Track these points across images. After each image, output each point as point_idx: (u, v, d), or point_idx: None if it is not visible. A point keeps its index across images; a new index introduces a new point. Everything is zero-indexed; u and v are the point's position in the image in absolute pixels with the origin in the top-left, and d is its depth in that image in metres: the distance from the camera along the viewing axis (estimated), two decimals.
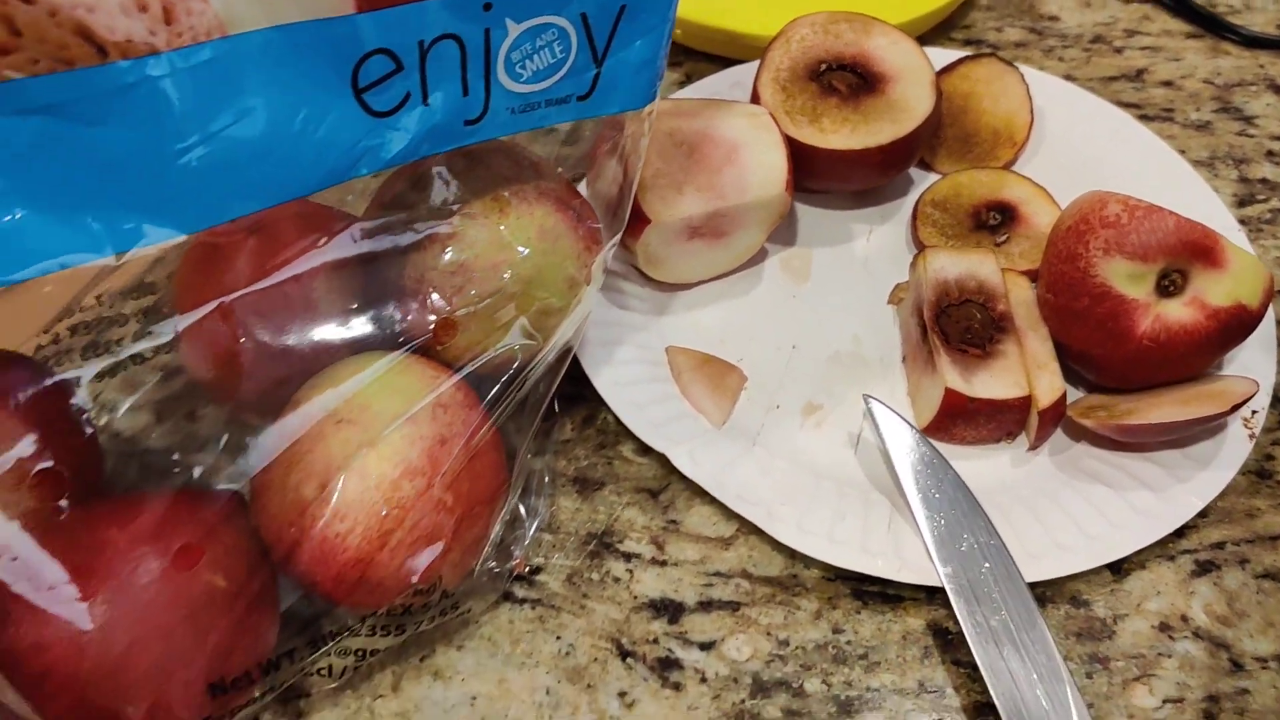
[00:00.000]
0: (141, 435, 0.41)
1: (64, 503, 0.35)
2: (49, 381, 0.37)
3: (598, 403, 0.50)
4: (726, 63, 0.64)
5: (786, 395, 0.51)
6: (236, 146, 0.33)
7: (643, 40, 0.41)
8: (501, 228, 0.41)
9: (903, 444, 0.47)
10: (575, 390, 0.50)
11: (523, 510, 0.46)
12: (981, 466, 0.48)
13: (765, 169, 0.51)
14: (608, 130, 0.48)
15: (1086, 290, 0.47)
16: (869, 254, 0.56)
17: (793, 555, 0.46)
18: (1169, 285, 0.46)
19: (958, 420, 0.48)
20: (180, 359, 0.41)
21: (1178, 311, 0.46)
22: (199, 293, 0.41)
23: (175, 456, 0.41)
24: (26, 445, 0.34)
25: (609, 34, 0.40)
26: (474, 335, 0.42)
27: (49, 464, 0.34)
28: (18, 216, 0.30)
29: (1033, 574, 0.43)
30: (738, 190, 0.50)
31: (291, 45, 0.33)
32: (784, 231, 0.56)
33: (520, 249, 0.42)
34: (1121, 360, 0.47)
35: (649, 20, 0.40)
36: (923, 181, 0.59)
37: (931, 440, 0.48)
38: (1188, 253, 0.46)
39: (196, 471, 0.40)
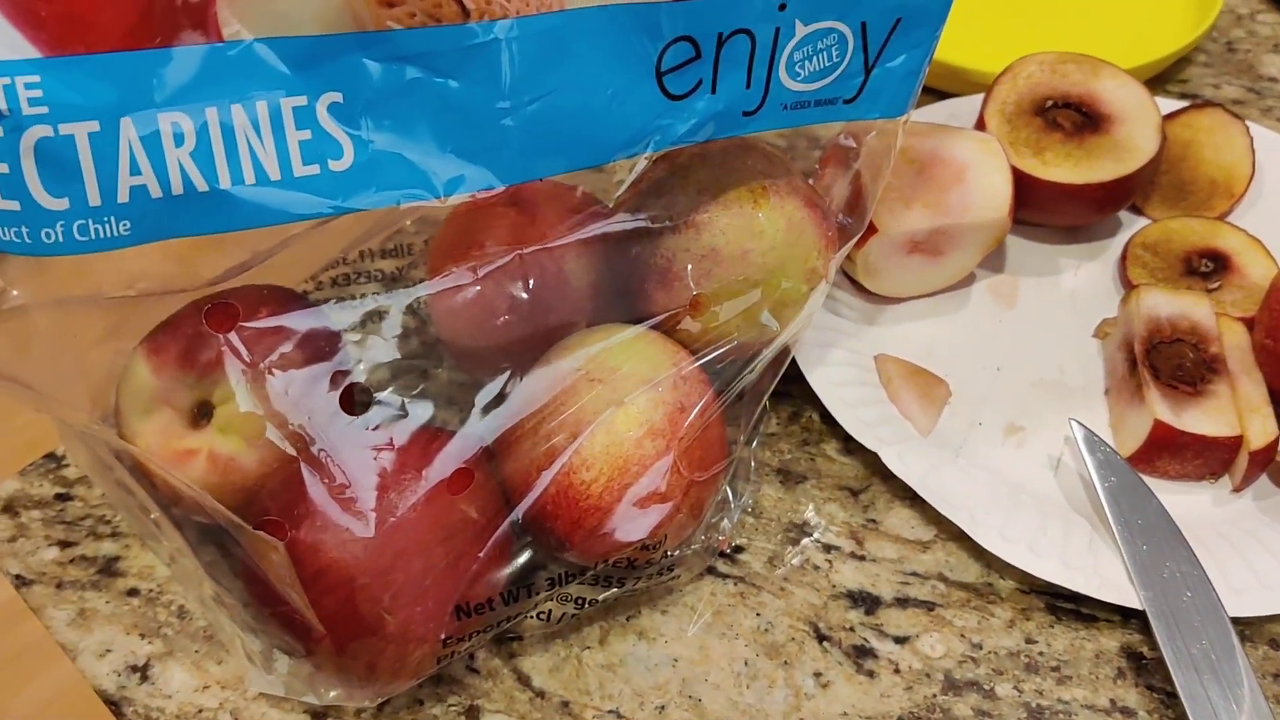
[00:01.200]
0: (378, 388, 0.44)
1: (371, 415, 0.38)
2: (324, 326, 0.40)
3: (803, 401, 0.52)
4: (942, 95, 0.66)
5: (989, 413, 0.52)
6: (554, 111, 0.36)
7: (910, 53, 0.43)
8: (759, 215, 0.44)
9: (1105, 468, 0.48)
10: (782, 387, 0.52)
11: (730, 494, 0.48)
12: (1183, 500, 0.49)
13: (990, 192, 0.53)
14: (839, 142, 0.51)
15: None
16: (1076, 288, 0.57)
17: (989, 564, 0.47)
18: None
19: (1164, 453, 0.48)
20: (430, 315, 0.44)
21: None
22: (459, 256, 0.44)
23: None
24: (341, 359, 0.38)
25: (882, 43, 0.42)
26: (717, 317, 0.45)
27: (359, 377, 0.38)
28: (374, 151, 0.34)
29: (1235, 609, 0.44)
30: (962, 209, 0.52)
31: (615, 25, 0.36)
32: (994, 258, 0.58)
33: (771, 238, 0.44)
34: None
35: (919, 34, 0.43)
36: (1131, 225, 0.60)
37: (1135, 470, 0.49)
38: None
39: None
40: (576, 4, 0.35)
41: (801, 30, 0.40)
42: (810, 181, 0.53)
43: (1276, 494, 0.49)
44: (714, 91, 0.40)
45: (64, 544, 0.48)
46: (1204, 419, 0.48)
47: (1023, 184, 0.55)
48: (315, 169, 0.33)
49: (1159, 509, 0.46)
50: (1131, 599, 0.44)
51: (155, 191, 0.31)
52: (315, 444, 0.36)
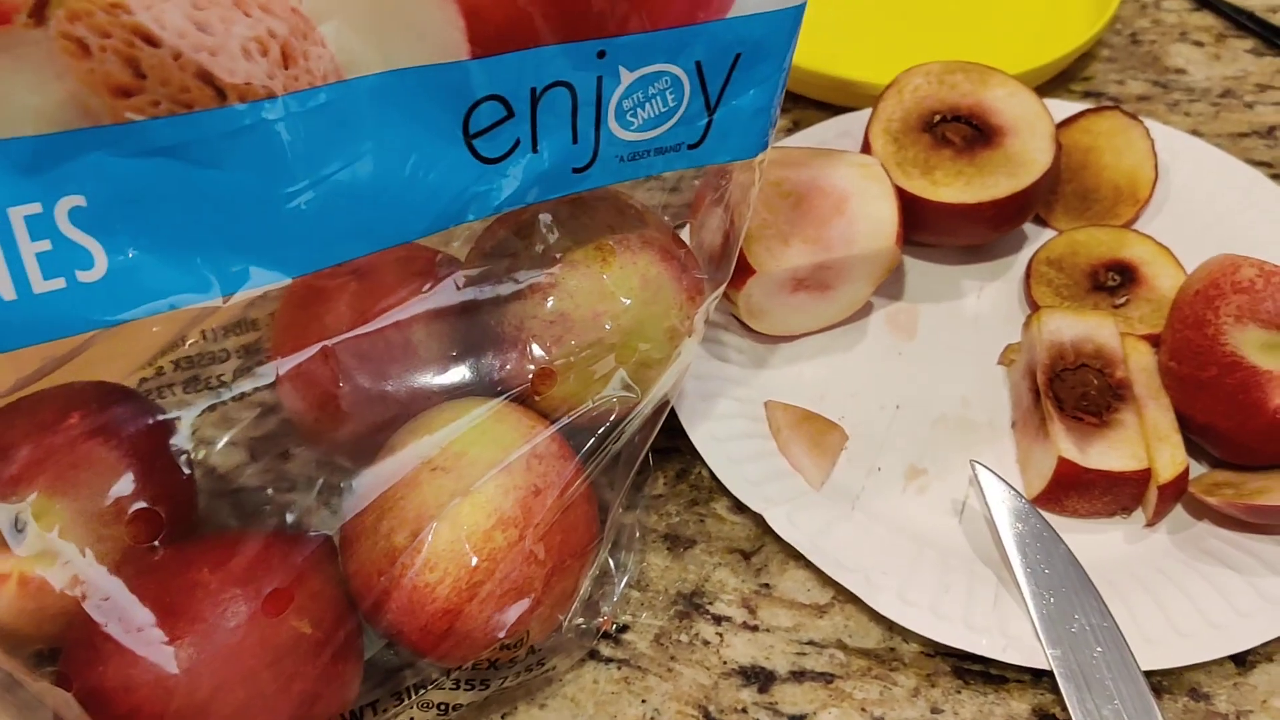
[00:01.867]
0: (235, 473, 0.41)
1: (157, 543, 0.34)
2: (152, 420, 0.37)
3: (691, 456, 0.49)
4: (835, 110, 0.63)
5: (889, 457, 0.49)
6: (346, 191, 0.33)
7: (757, 89, 0.40)
8: (604, 277, 0.41)
9: (1010, 515, 0.45)
10: (669, 443, 0.49)
11: (612, 565, 0.45)
12: (1094, 541, 0.45)
13: (875, 221, 0.49)
14: (712, 178, 0.47)
15: (1215, 359, 0.44)
16: (979, 312, 0.54)
17: (890, 627, 0.44)
18: None
19: (1070, 492, 0.45)
20: (278, 398, 0.41)
21: None
22: (299, 333, 0.41)
23: (268, 493, 0.41)
24: (126, 483, 0.34)
25: (723, 82, 0.39)
26: (572, 386, 0.41)
27: (145, 504, 0.34)
28: (130, 256, 0.30)
29: (1149, 661, 0.40)
30: (845, 242, 0.49)
31: (405, 90, 0.33)
32: (891, 285, 0.55)
33: (622, 299, 0.41)
34: (1252, 435, 0.44)
35: (764, 69, 0.39)
36: (1037, 238, 0.57)
37: (1044, 511, 0.46)
38: None
39: (289, 513, 0.40)
40: (358, 72, 0.32)
41: (628, 77, 0.37)
42: (678, 226, 0.50)
43: (1191, 526, 0.46)
44: (535, 150, 0.36)
45: None
46: (1110, 453, 0.45)
47: (913, 207, 0.51)
48: (60, 283, 0.29)
49: (1067, 556, 0.43)
50: (1040, 658, 0.41)
51: None
52: (97, 585, 0.33)
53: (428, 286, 0.41)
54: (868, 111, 0.59)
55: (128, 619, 0.33)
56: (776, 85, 0.40)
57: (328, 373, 0.38)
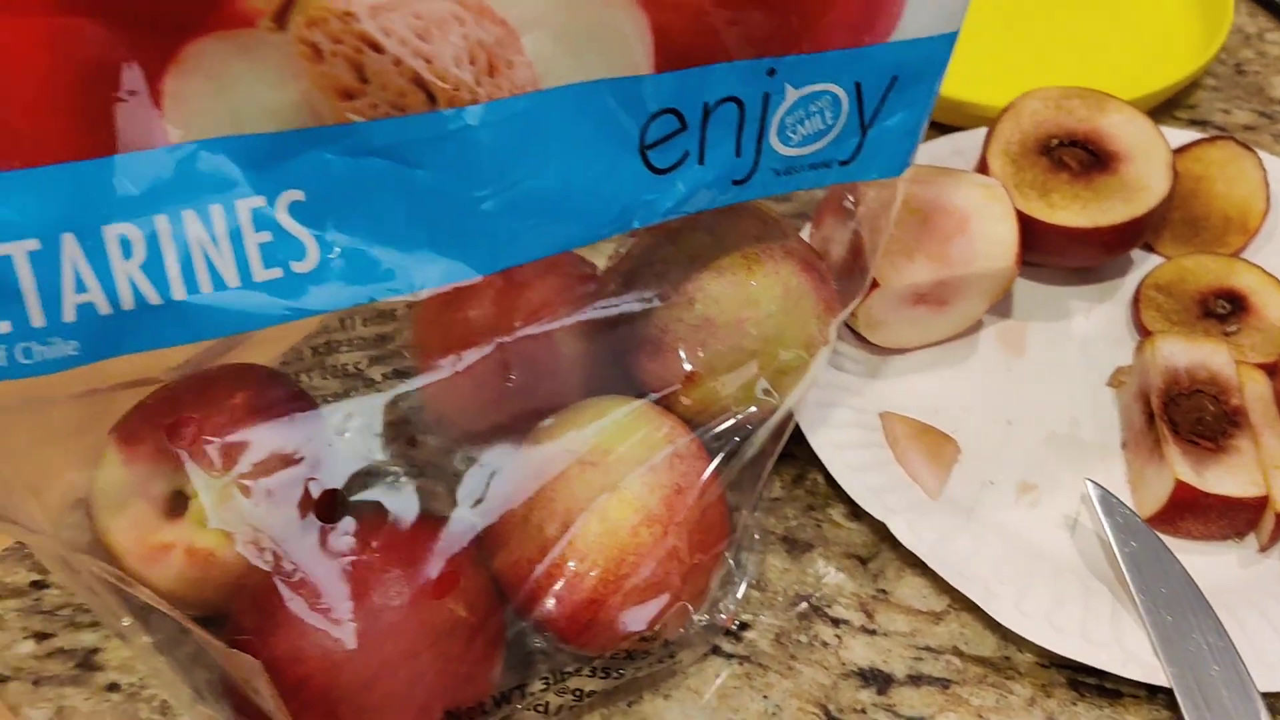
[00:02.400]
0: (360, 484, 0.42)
1: (345, 521, 0.36)
2: (310, 405, 0.38)
3: (807, 462, 0.50)
4: (944, 129, 0.64)
5: (1001, 472, 0.50)
6: (533, 195, 0.34)
7: (907, 111, 0.41)
8: (751, 284, 0.42)
9: (1125, 532, 0.46)
10: (785, 448, 0.50)
11: (734, 565, 0.46)
12: (1207, 563, 0.46)
13: (995, 241, 0.51)
14: (836, 192, 0.49)
15: None
16: (1087, 333, 0.55)
17: (1005, 636, 0.45)
18: None
19: (1186, 514, 0.46)
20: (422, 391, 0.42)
21: None
22: (446, 329, 0.42)
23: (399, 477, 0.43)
24: (313, 464, 0.36)
25: (878, 103, 0.40)
26: (713, 390, 0.43)
27: (333, 483, 0.36)
28: (338, 250, 0.32)
29: (1266, 683, 0.41)
30: (966, 260, 0.50)
31: (593, 101, 0.34)
32: (1001, 303, 0.56)
33: (767, 306, 0.42)
34: None
35: (916, 92, 0.41)
36: (1144, 263, 0.58)
37: (1156, 531, 0.47)
38: None
39: (420, 499, 0.41)
40: (553, 82, 0.33)
41: (793, 94, 0.38)
42: (807, 235, 0.51)
43: None
44: (702, 163, 0.38)
45: (40, 636, 0.46)
46: (1227, 478, 0.46)
47: (1029, 228, 0.52)
48: (278, 272, 0.31)
49: (1183, 575, 0.44)
50: (1158, 675, 0.42)
51: (104, 308, 0.29)
52: (288, 556, 0.34)
53: (576, 290, 0.43)
54: (978, 131, 0.60)
55: (312, 592, 0.35)
56: (926, 108, 0.41)
57: (497, 370, 0.40)
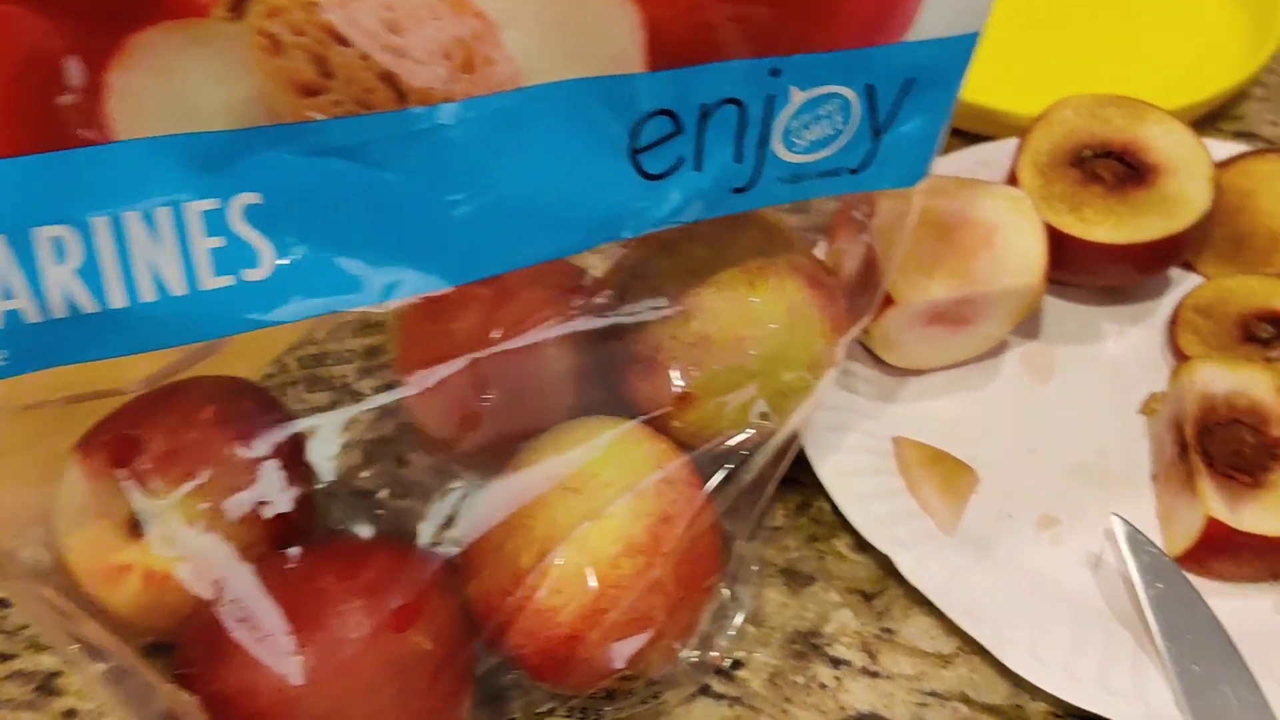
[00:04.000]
0: (348, 475, 0.40)
1: (293, 550, 0.34)
2: (285, 421, 0.36)
3: (812, 490, 0.47)
4: (972, 138, 0.61)
5: (1021, 504, 0.47)
6: (510, 201, 0.32)
7: (924, 117, 0.38)
8: (753, 300, 0.39)
9: (1151, 574, 0.42)
10: (789, 473, 0.47)
11: (728, 598, 0.44)
12: (1239, 607, 0.43)
13: (1022, 257, 0.47)
14: (852, 203, 0.46)
15: None
16: (1118, 357, 0.52)
17: (1018, 683, 0.42)
18: None
19: (1219, 554, 0.43)
20: (405, 406, 0.40)
21: None
22: (428, 341, 0.40)
23: (383, 499, 0.41)
24: (262, 485, 0.34)
25: (892, 108, 0.37)
26: (709, 412, 0.40)
27: (284, 508, 0.34)
28: (296, 257, 0.29)
29: None
30: (989, 277, 0.47)
31: (578, 101, 0.32)
32: (1026, 324, 0.52)
33: (769, 324, 0.39)
34: None
35: (934, 96, 0.38)
36: (1181, 283, 0.54)
37: (1185, 571, 0.44)
38: None
39: (404, 521, 0.39)
40: (535, 80, 0.31)
41: (799, 97, 0.35)
42: (818, 250, 0.49)
43: None
44: (699, 168, 0.35)
45: (1, 656, 0.44)
46: (1264, 516, 0.42)
47: (1059, 244, 0.49)
48: (229, 280, 0.29)
49: (1212, 622, 0.41)
50: None
51: (33, 315, 0.27)
52: (234, 585, 0.32)
53: (565, 301, 0.40)
54: (1007, 142, 0.57)
55: (256, 624, 0.32)
56: (944, 114, 0.39)
57: (472, 387, 0.37)
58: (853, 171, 0.38)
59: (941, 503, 0.45)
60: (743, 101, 0.34)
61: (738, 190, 0.37)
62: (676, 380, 0.40)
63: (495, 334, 0.39)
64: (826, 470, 0.46)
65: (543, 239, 0.34)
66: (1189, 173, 0.50)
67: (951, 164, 0.57)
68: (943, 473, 0.46)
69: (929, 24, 0.36)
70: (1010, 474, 0.48)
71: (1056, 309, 0.54)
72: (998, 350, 0.52)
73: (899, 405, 0.50)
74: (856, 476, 0.46)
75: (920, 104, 0.38)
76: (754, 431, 0.40)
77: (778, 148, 0.36)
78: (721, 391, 0.40)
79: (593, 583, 0.36)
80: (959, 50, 0.37)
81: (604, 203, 0.34)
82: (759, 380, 0.40)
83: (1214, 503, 0.43)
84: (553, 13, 0.30)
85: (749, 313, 0.39)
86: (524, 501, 0.38)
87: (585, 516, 0.37)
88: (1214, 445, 0.45)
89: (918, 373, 0.51)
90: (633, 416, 0.40)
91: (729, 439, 0.40)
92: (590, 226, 0.34)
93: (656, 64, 0.32)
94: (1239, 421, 0.45)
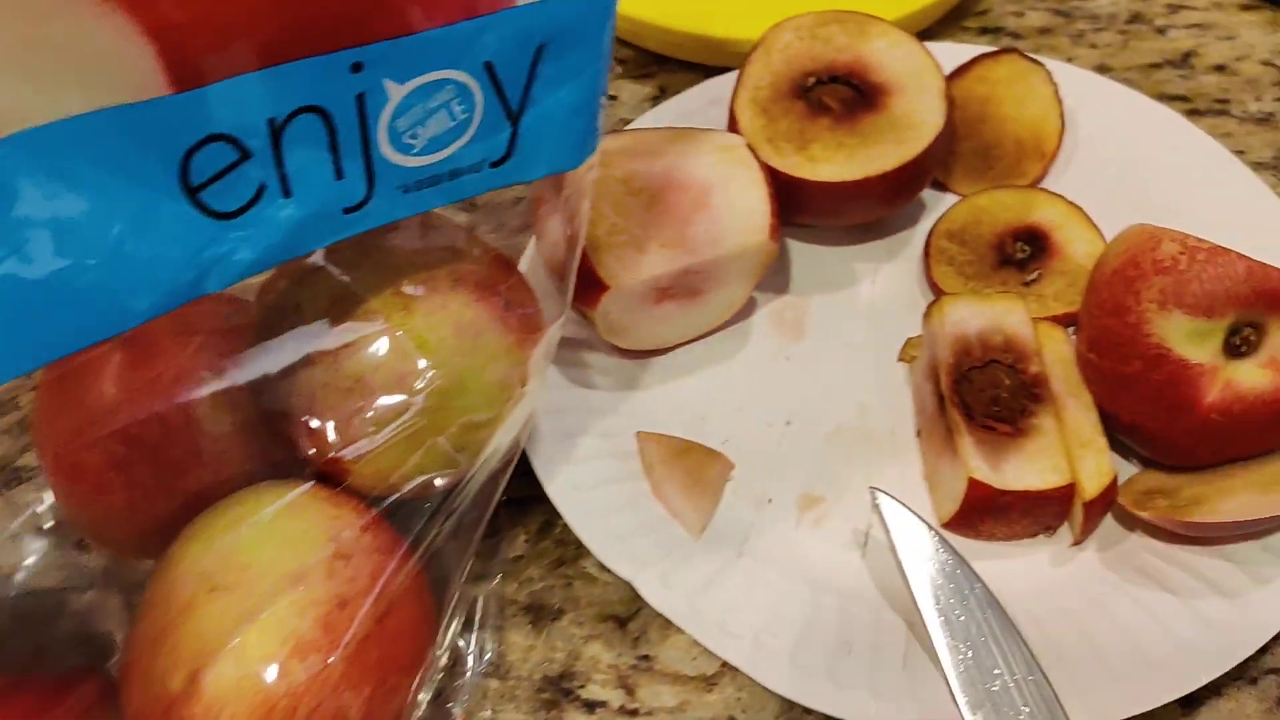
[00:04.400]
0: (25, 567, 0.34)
1: None
2: None
3: (555, 507, 0.42)
4: (708, 71, 0.55)
5: (780, 485, 0.42)
6: (22, 283, 0.25)
7: (571, 85, 0.32)
8: (405, 330, 0.33)
9: (918, 552, 0.38)
10: (529, 490, 0.41)
11: (464, 649, 0.38)
12: (1015, 568, 0.40)
13: (743, 214, 0.42)
14: (545, 184, 0.40)
15: (1138, 352, 0.38)
16: (874, 300, 0.48)
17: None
18: (1240, 344, 0.38)
19: (985, 516, 0.39)
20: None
21: (1252, 376, 0.38)
22: (60, 418, 0.34)
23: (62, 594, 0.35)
24: None
25: (525, 82, 0.31)
26: (384, 461, 0.34)
27: None
28: None
29: (1082, 717, 0.35)
30: (711, 242, 0.42)
31: (84, 142, 0.25)
32: (774, 277, 0.48)
33: (435, 353, 0.33)
34: (1183, 435, 0.39)
35: (576, 59, 0.32)
36: (936, 205, 0.50)
37: (957, 535, 0.40)
38: (1263, 303, 0.37)
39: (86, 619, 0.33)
40: (18, 126, 0.24)
41: (398, 91, 0.29)
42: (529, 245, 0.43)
43: (1124, 539, 0.40)
44: (287, 194, 0.29)
45: None
46: (1027, 468, 0.39)
47: (790, 188, 0.44)
48: None
49: (984, 597, 0.37)
50: None
51: None
52: None
53: (216, 349, 0.34)
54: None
55: None
56: (596, 78, 0.33)
57: (113, 466, 0.31)
58: (495, 164, 0.32)
59: (688, 503, 0.41)
60: (325, 108, 0.28)
61: (350, 210, 0.30)
62: (338, 433, 0.34)
63: (144, 399, 0.33)
64: (557, 487, 0.40)
65: (92, 315, 0.27)
66: (918, 89, 0.46)
67: (682, 106, 0.51)
68: (689, 467, 0.42)
69: None
70: (767, 452, 0.43)
71: (804, 255, 0.49)
72: (746, 312, 0.47)
73: (643, 393, 0.45)
74: (593, 489, 0.41)
75: (561, 71, 0.32)
76: (440, 473, 0.35)
77: (388, 153, 0.30)
78: (397, 438, 0.34)
79: (259, 698, 0.30)
80: (594, 2, 0.31)
81: (166, 257, 0.28)
82: (436, 417, 0.34)
83: (974, 461, 0.39)
84: (20, 45, 0.23)
85: (406, 344, 0.33)
86: (170, 611, 0.32)
87: (241, 619, 0.31)
88: (971, 394, 0.41)
89: (661, 352, 0.46)
90: (297, 480, 0.34)
91: (415, 488, 0.35)
92: (156, 288, 0.28)
93: (184, 82, 0.26)
94: (996, 362, 0.42)
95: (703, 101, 0.52)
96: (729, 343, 0.46)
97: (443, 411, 0.34)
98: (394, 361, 0.33)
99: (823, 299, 0.48)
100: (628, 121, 0.54)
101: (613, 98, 0.56)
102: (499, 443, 0.36)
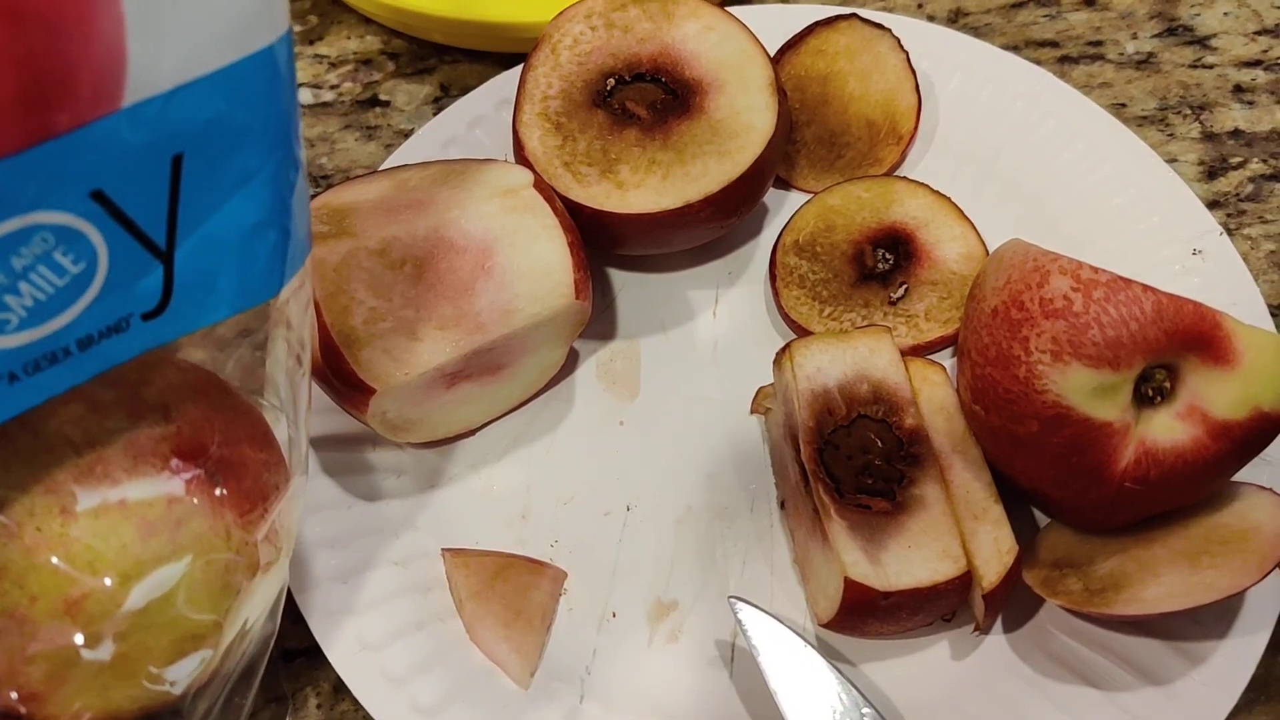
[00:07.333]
0: None
1: None
2: None
3: None
4: (496, 58, 0.46)
5: (625, 592, 0.35)
6: None
7: (244, 194, 0.23)
8: (72, 536, 0.24)
9: (792, 674, 0.32)
10: (309, 642, 0.33)
11: None
12: (910, 669, 0.34)
13: (538, 275, 0.34)
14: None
15: (1033, 411, 0.31)
16: (717, 338, 0.40)
17: None
18: (1153, 393, 0.31)
19: (869, 619, 0.33)
20: None
21: (1169, 430, 0.31)
22: None
23: None
24: None
25: (167, 207, 0.22)
26: (77, 703, 0.26)
27: None
28: None
29: None
30: (502, 315, 0.33)
31: None
32: (595, 322, 0.40)
33: (108, 570, 0.25)
34: (1094, 506, 0.32)
35: (244, 161, 0.23)
36: (781, 207, 0.42)
37: (839, 635, 0.34)
38: (1176, 344, 0.30)
39: None
40: None
41: None
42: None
43: (1032, 616, 0.34)
44: None
45: None
46: (913, 558, 0.32)
47: (599, 222, 0.36)
48: None
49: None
50: None
51: None
52: None
53: None
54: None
55: None
56: (281, 174, 0.24)
57: None
58: (149, 316, 0.23)
59: (509, 645, 0.33)
60: None
61: None
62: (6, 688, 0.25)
63: None
64: (341, 651, 0.32)
65: None
66: (740, 83, 0.37)
67: (467, 110, 0.42)
68: (507, 593, 0.34)
69: (160, 67, 0.20)
70: (606, 552, 0.36)
71: (630, 288, 0.41)
72: (566, 369, 0.39)
73: (447, 492, 0.37)
74: (389, 645, 0.33)
75: (221, 182, 0.23)
76: (171, 695, 0.26)
77: None
78: (84, 679, 0.25)
79: None
80: (249, 81, 0.22)
81: None
82: (136, 641, 0.25)
83: (848, 555, 0.32)
84: None
85: (72, 557, 0.25)
86: None
87: None
88: (838, 463, 0.34)
89: (468, 433, 0.38)
90: None
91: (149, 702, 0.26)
92: None
93: None
94: (865, 417, 0.35)
95: (492, 104, 0.43)
96: (550, 410, 0.38)
97: (146, 631, 0.25)
98: (59, 585, 0.24)
99: (656, 342, 0.40)
100: (407, 133, 0.45)
101: (386, 103, 0.46)
102: (226, 641, 0.27)
